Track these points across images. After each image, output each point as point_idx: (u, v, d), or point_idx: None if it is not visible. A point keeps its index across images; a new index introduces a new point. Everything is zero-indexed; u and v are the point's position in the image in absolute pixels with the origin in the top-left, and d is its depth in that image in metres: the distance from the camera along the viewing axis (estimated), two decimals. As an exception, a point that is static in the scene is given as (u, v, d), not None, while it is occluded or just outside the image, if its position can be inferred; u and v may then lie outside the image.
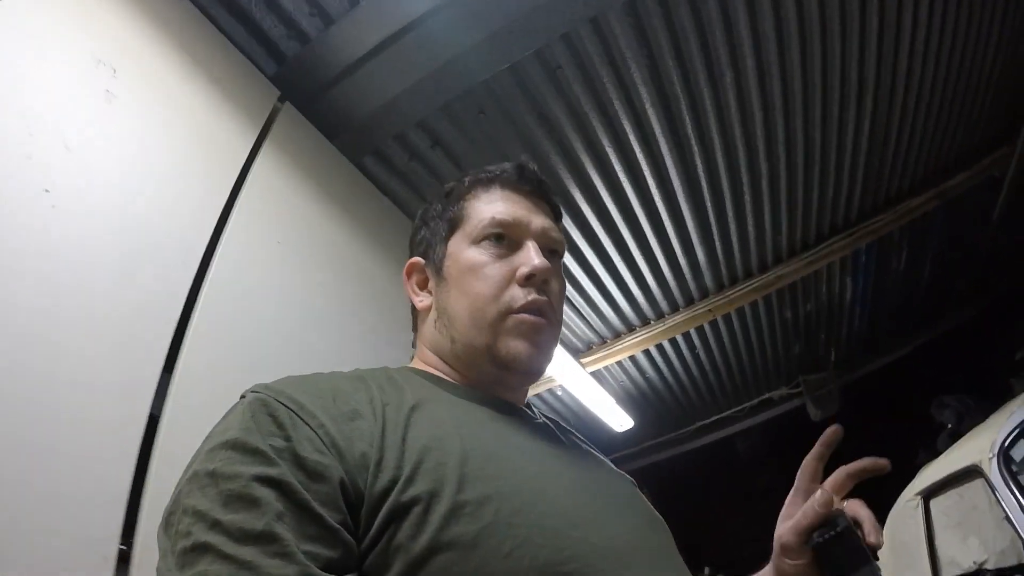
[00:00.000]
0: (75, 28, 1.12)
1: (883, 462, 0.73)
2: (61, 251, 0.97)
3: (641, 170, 2.48)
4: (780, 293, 3.62)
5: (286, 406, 0.56)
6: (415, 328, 0.87)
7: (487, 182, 0.83)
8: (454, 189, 0.85)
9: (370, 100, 1.83)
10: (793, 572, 0.70)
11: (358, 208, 1.77)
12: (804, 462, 0.74)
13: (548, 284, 0.77)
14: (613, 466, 0.89)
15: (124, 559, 0.89)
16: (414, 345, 0.86)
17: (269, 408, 0.55)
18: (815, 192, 2.97)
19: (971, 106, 3.01)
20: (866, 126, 2.70)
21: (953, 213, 3.54)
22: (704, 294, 3.47)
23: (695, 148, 2.45)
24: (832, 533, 0.66)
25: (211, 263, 1.19)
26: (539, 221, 0.81)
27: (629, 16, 1.88)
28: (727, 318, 3.71)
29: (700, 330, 3.75)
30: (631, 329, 3.60)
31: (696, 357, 4.05)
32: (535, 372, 0.78)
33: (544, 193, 0.86)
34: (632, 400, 4.31)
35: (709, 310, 3.47)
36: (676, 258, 3.09)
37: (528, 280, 0.75)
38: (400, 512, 0.53)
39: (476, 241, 0.78)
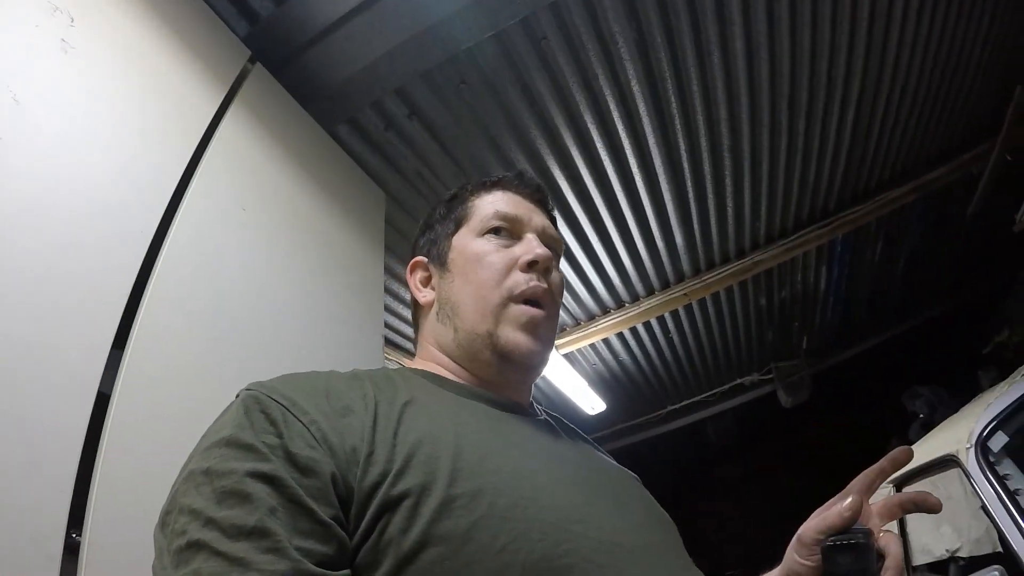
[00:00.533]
0: None
1: (934, 501, 0.69)
2: (4, 211, 0.89)
3: (623, 149, 2.43)
4: (756, 279, 3.63)
5: (279, 403, 0.56)
6: (416, 327, 0.89)
7: (490, 185, 0.87)
8: (458, 193, 0.89)
9: (347, 64, 1.75)
10: (799, 571, 0.68)
11: (330, 177, 1.69)
12: (864, 472, 0.70)
13: (549, 272, 0.80)
14: (615, 462, 0.89)
15: (73, 549, 0.82)
16: (416, 343, 0.88)
17: (262, 405, 0.55)
18: (796, 179, 2.96)
19: (955, 101, 3.01)
20: (850, 115, 2.69)
21: (930, 207, 3.56)
22: (680, 278, 3.46)
23: (679, 129, 2.41)
24: (847, 542, 0.62)
25: (169, 229, 1.11)
26: (539, 219, 0.85)
27: (619, -13, 1.82)
28: (702, 303, 3.71)
29: (675, 314, 3.75)
30: (605, 312, 3.59)
31: (670, 341, 4.05)
32: (535, 366, 0.79)
33: (542, 199, 0.90)
34: (604, 383, 4.32)
35: (685, 294, 3.47)
36: (654, 240, 3.06)
37: (530, 267, 0.78)
38: (390, 506, 0.52)
39: (481, 233, 0.81)
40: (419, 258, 0.89)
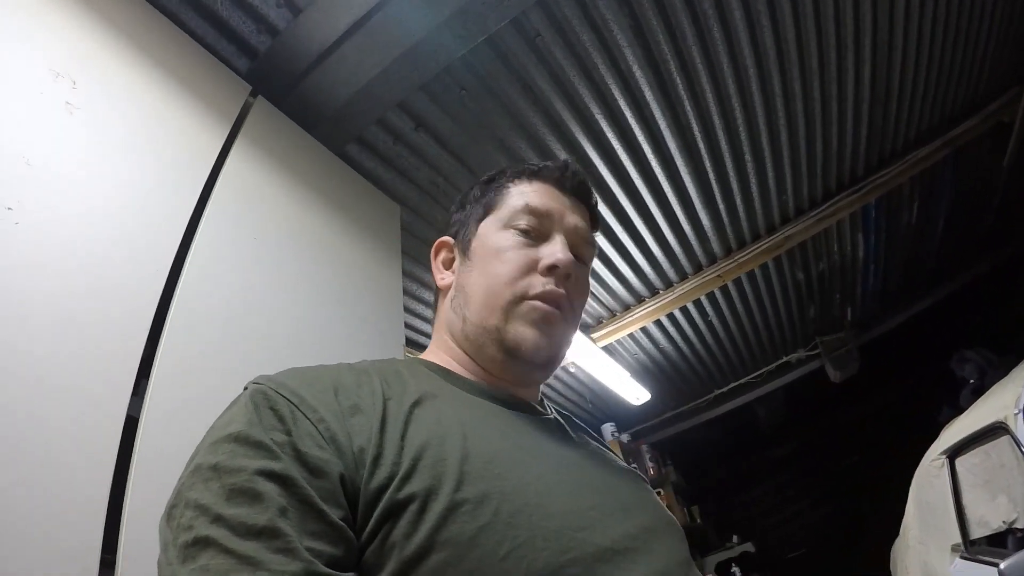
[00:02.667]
0: (28, 41, 1.09)
1: None
2: (27, 266, 0.94)
3: (635, 136, 2.41)
4: (790, 254, 3.55)
5: (287, 399, 0.55)
6: (436, 309, 0.87)
7: (530, 174, 0.84)
8: (496, 177, 0.86)
9: (345, 86, 1.77)
10: None
11: (340, 197, 1.72)
12: None
13: (570, 279, 0.76)
14: (624, 463, 0.87)
15: (109, 565, 0.87)
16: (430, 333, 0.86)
17: (270, 401, 0.55)
18: (818, 147, 2.88)
19: (976, 49, 2.89)
20: (866, 74, 2.60)
21: (963, 162, 3.43)
22: (712, 260, 3.41)
23: (689, 108, 2.38)
24: None
25: (184, 264, 1.15)
26: (572, 219, 0.81)
27: (605, -27, 1.81)
28: (737, 283, 3.65)
29: (711, 296, 3.70)
30: (640, 300, 3.56)
31: (709, 324, 4.00)
32: (542, 364, 0.76)
33: (584, 196, 0.86)
34: (647, 372, 4.28)
35: (719, 275, 3.42)
36: (680, 225, 3.03)
37: (550, 271, 0.75)
38: (396, 509, 0.52)
39: (506, 226, 0.79)
40: (445, 238, 0.87)
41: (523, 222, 0.78)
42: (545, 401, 0.85)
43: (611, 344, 3.77)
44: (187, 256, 1.18)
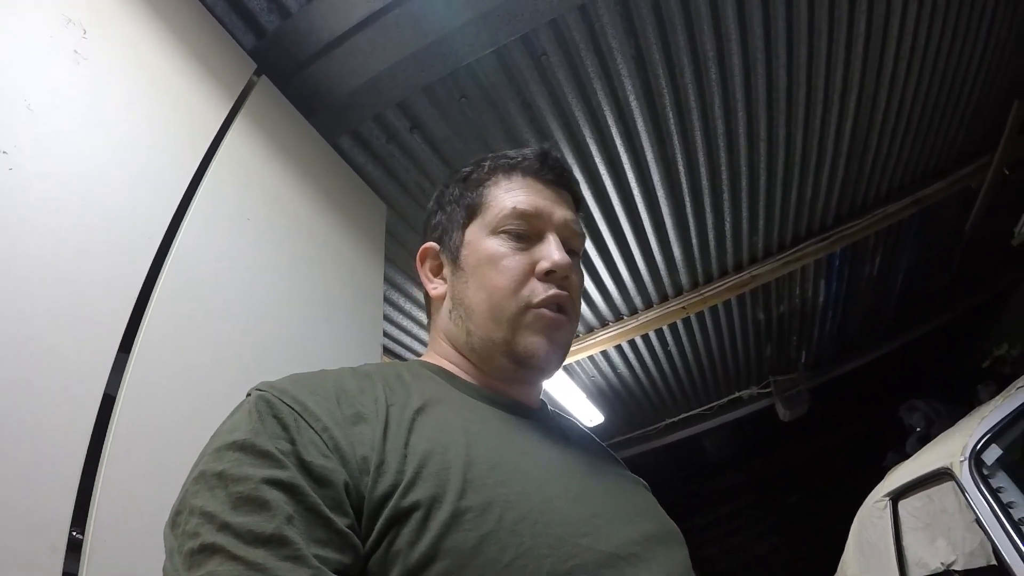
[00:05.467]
0: None
1: None
2: (15, 216, 0.91)
3: (621, 164, 2.46)
4: (754, 293, 3.65)
5: (290, 407, 0.55)
6: (429, 315, 0.86)
7: (508, 169, 0.81)
8: (472, 173, 0.83)
9: (351, 78, 1.78)
10: None
11: (331, 188, 1.71)
12: None
13: (568, 279, 0.76)
14: (628, 470, 0.87)
15: (76, 547, 0.84)
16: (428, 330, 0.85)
17: (274, 409, 0.55)
18: (793, 194, 2.98)
19: (952, 116, 3.05)
20: (847, 130, 2.72)
21: (928, 221, 3.58)
22: (678, 291, 3.47)
23: (677, 143, 2.44)
24: None
25: (176, 237, 1.13)
26: (561, 213, 0.79)
27: (618, 4, 1.86)
28: (700, 316, 3.72)
29: (673, 327, 3.76)
30: (604, 324, 3.60)
31: (668, 354, 4.06)
32: (551, 369, 0.77)
33: (566, 183, 0.84)
34: (603, 396, 4.32)
35: (683, 307, 3.48)
36: (652, 255, 3.08)
37: (548, 275, 0.74)
38: (400, 518, 0.52)
39: (495, 231, 0.77)
40: (429, 245, 0.85)
41: (513, 226, 0.76)
42: (547, 405, 0.85)
43: (570, 364, 3.80)
44: (179, 228, 1.16)
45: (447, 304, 0.80)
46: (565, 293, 0.75)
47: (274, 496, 0.48)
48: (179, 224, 1.15)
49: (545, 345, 0.73)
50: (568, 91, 2.09)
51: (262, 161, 1.47)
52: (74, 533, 0.83)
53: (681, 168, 2.57)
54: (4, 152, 0.92)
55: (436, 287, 0.82)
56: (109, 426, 0.92)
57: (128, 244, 1.06)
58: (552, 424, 0.79)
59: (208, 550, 0.45)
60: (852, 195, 3.20)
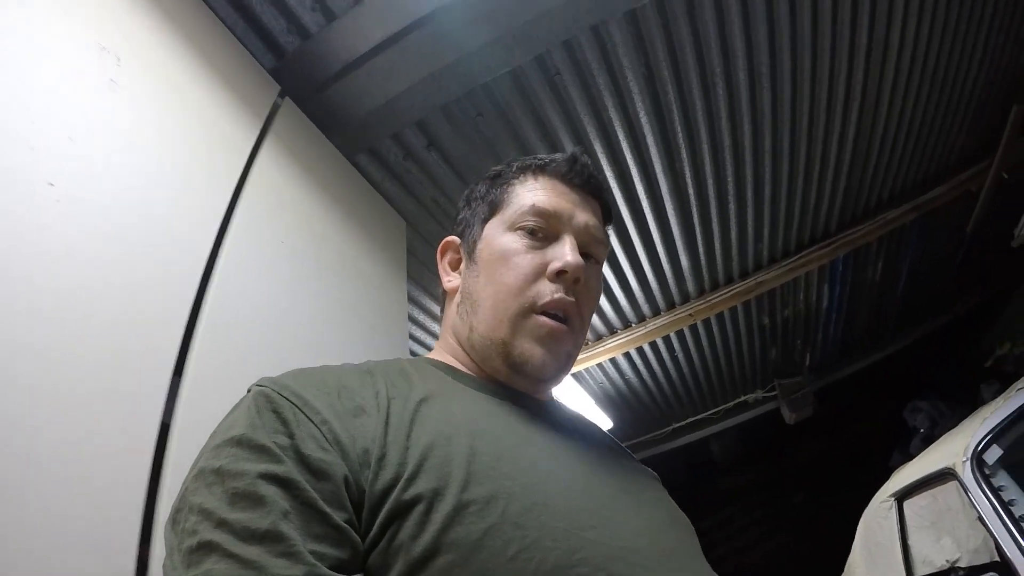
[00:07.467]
0: (79, 11, 1.08)
1: None
2: (64, 251, 0.91)
3: (631, 177, 2.51)
4: (759, 299, 3.70)
5: (290, 401, 0.55)
6: (443, 310, 0.85)
7: (536, 169, 0.81)
8: (502, 172, 0.83)
9: (371, 98, 1.82)
10: None
11: (354, 207, 1.75)
12: None
13: (580, 284, 0.74)
14: (638, 461, 0.86)
15: (141, 572, 0.85)
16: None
17: (273, 404, 0.54)
18: (797, 202, 3.04)
19: (952, 123, 3.11)
20: (850, 140, 2.78)
21: (929, 225, 3.64)
22: (686, 299, 3.52)
23: (684, 157, 2.50)
24: None
25: (216, 263, 1.16)
26: (583, 217, 0.78)
27: (630, 25, 1.91)
28: (707, 323, 3.78)
29: (680, 334, 3.81)
30: (613, 332, 3.65)
31: (675, 360, 4.11)
32: (550, 378, 0.75)
33: (595, 190, 0.83)
34: (611, 401, 4.37)
35: (690, 314, 3.53)
36: (660, 264, 3.14)
37: (558, 276, 0.72)
38: (402, 511, 0.51)
39: (512, 228, 0.76)
40: (451, 238, 0.85)
41: (530, 223, 0.75)
42: (555, 398, 0.84)
43: (579, 371, 3.85)
44: (219, 253, 1.18)
45: (458, 298, 0.79)
46: (572, 300, 0.73)
47: (269, 491, 0.48)
48: (219, 248, 1.18)
49: (542, 355, 0.71)
50: (580, 108, 2.14)
51: (291, 183, 1.50)
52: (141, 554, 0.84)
53: (689, 180, 2.62)
54: (51, 184, 0.92)
55: (451, 280, 0.82)
56: (166, 453, 0.93)
57: (172, 271, 1.07)
58: (560, 415, 0.78)
59: (205, 548, 0.45)
60: (854, 202, 3.26)
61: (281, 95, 1.64)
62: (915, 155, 3.17)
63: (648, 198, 2.63)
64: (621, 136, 2.30)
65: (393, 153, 2.09)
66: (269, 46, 1.75)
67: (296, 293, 1.33)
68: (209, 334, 1.08)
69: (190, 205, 1.17)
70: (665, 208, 2.73)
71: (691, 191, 2.69)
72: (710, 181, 2.67)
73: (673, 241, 2.98)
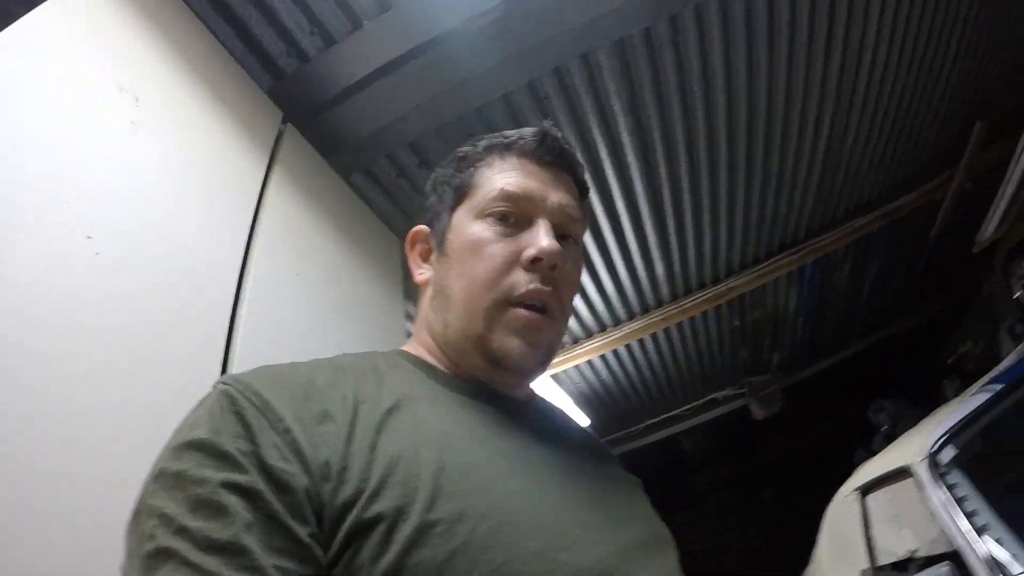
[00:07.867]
0: (96, 53, 1.08)
1: None
2: (105, 305, 0.90)
3: (612, 193, 2.61)
4: (730, 303, 3.84)
5: (253, 403, 0.52)
6: (416, 303, 0.82)
7: (503, 148, 0.76)
8: (467, 154, 0.78)
9: (369, 121, 1.86)
10: None
11: (354, 230, 1.79)
12: None
13: (557, 270, 0.70)
14: (621, 467, 0.83)
15: None
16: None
17: (236, 405, 0.52)
18: (768, 211, 3.18)
19: (918, 136, 3.29)
20: (820, 152, 2.92)
21: (895, 232, 3.82)
22: (659, 303, 3.63)
23: (663, 174, 2.60)
24: None
25: (240, 302, 1.18)
26: (556, 197, 0.73)
27: (617, 53, 2.00)
28: (680, 326, 3.90)
29: (654, 336, 3.93)
30: (590, 335, 3.74)
31: (648, 361, 4.24)
32: (531, 370, 0.72)
33: (567, 165, 0.78)
34: (588, 401, 4.47)
35: (664, 318, 3.64)
36: (636, 270, 3.23)
37: (533, 264, 0.68)
38: (363, 530, 0.49)
39: (482, 215, 0.72)
40: (420, 228, 0.80)
41: (500, 209, 0.71)
42: (537, 396, 0.81)
43: (557, 372, 3.95)
44: (241, 292, 1.20)
45: (430, 292, 0.76)
46: (549, 289, 0.69)
47: (232, 501, 0.46)
48: (241, 288, 1.20)
49: (521, 346, 0.68)
50: (567, 129, 2.22)
51: (299, 212, 1.53)
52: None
53: (667, 195, 2.73)
54: (88, 237, 0.91)
55: (422, 273, 0.78)
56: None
57: (204, 314, 1.09)
58: (542, 418, 0.76)
59: (164, 554, 0.44)
60: (823, 211, 3.41)
61: (283, 121, 1.65)
62: (883, 167, 3.33)
63: (627, 210, 2.73)
64: (604, 154, 2.38)
65: (386, 172, 2.14)
66: (267, 67, 1.76)
67: (312, 322, 1.38)
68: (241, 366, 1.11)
69: (212, 244, 1.18)
70: (643, 220, 2.83)
71: (668, 204, 2.79)
72: (687, 195, 2.77)
73: (649, 250, 3.08)
